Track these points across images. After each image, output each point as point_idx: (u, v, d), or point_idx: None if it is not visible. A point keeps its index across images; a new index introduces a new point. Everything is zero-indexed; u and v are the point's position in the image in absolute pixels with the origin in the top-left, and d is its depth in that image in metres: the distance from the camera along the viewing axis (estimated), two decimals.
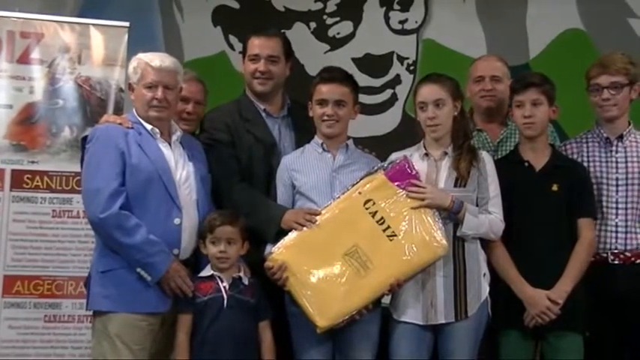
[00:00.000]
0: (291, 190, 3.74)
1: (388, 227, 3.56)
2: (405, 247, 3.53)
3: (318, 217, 3.60)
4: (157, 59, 3.68)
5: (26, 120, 4.60)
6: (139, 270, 3.48)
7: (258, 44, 4.00)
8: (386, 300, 3.66)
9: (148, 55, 3.71)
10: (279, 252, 3.58)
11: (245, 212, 3.68)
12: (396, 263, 3.53)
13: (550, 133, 4.01)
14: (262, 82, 3.99)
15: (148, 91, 3.65)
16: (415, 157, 3.71)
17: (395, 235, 3.55)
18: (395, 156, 3.74)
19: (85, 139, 3.98)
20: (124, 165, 3.52)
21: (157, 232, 3.50)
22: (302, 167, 3.76)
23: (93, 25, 4.70)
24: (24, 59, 4.63)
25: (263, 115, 4.01)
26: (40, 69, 4.62)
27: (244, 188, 3.84)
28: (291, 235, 3.61)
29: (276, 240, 3.62)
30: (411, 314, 3.59)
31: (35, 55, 4.63)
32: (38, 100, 4.62)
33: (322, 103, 3.74)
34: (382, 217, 3.57)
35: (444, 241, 3.53)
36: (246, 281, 3.61)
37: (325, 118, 3.74)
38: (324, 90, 3.74)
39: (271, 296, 3.62)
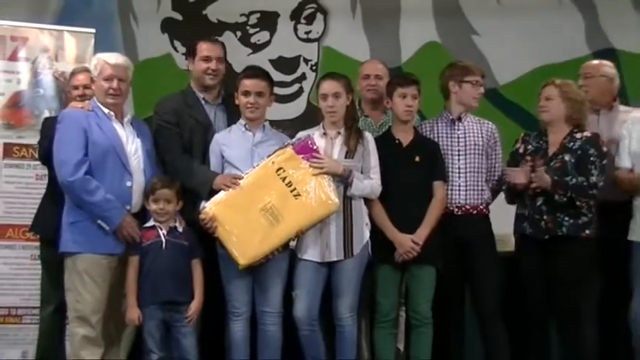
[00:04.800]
0: (220, 160, 3.66)
1: (295, 189, 3.52)
2: (307, 204, 3.50)
3: (241, 181, 3.54)
4: (112, 57, 3.59)
5: (14, 105, 4.45)
6: (99, 222, 3.44)
7: (207, 48, 3.87)
8: (293, 244, 3.63)
9: (105, 54, 3.64)
10: (210, 207, 3.51)
11: (185, 176, 3.62)
12: (301, 216, 3.50)
13: (416, 121, 4.02)
14: (212, 77, 3.85)
15: (105, 82, 3.54)
16: (316, 136, 3.66)
17: (300, 195, 3.51)
18: (301, 134, 3.69)
19: (46, 119, 4.04)
20: (87, 140, 3.46)
21: (113, 192, 3.46)
22: (229, 142, 3.67)
23: (67, 31, 4.58)
24: (13, 57, 4.47)
25: (202, 102, 3.88)
26: (26, 65, 4.47)
27: (185, 158, 3.73)
28: (220, 195, 3.54)
29: (208, 198, 3.55)
30: (310, 253, 3.57)
31: (22, 54, 4.48)
32: (24, 89, 4.47)
33: (246, 93, 3.65)
34: (290, 181, 3.52)
35: (337, 200, 3.52)
36: (180, 229, 3.54)
37: (249, 105, 3.64)
38: (248, 84, 3.65)
39: (205, 243, 3.56)
